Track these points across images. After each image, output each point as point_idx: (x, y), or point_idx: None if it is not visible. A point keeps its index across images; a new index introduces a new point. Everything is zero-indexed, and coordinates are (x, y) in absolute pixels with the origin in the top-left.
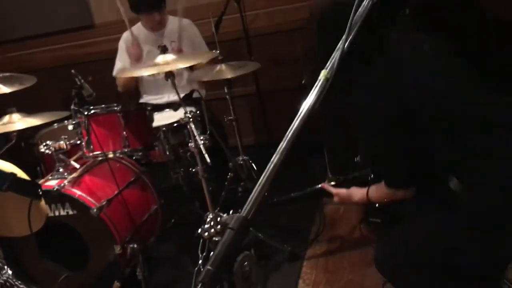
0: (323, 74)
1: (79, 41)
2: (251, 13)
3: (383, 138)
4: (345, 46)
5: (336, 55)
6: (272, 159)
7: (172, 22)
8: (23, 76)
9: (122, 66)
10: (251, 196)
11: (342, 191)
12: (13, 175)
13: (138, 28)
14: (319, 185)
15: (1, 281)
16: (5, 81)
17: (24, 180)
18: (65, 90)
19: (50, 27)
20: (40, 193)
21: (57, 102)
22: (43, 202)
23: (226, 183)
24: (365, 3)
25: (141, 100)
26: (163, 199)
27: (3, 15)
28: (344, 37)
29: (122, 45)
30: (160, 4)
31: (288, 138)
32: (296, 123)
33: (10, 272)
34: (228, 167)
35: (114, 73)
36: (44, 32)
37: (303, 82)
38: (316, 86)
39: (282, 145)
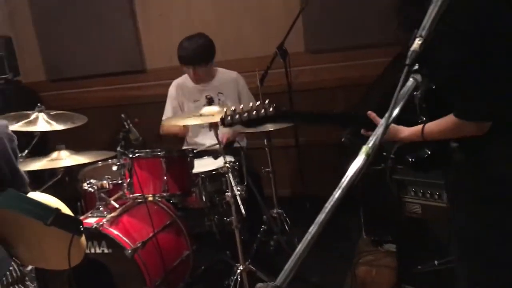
0: (364, 150)
1: (130, 83)
2: (296, 68)
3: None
4: (388, 122)
5: (379, 131)
6: (310, 230)
7: (221, 75)
8: (75, 115)
9: (171, 113)
10: (287, 265)
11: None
12: (57, 210)
13: (186, 78)
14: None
15: None
16: (57, 119)
17: (67, 216)
18: (112, 129)
19: (104, 68)
20: (81, 229)
21: (103, 140)
22: (83, 239)
23: (258, 235)
24: (408, 83)
25: (185, 144)
26: (195, 245)
27: (59, 55)
28: (387, 114)
29: (172, 92)
30: (203, 60)
31: (327, 209)
32: (336, 195)
33: None
34: (261, 218)
35: (164, 117)
36: (97, 73)
37: (342, 140)
38: (357, 160)
39: (321, 216)
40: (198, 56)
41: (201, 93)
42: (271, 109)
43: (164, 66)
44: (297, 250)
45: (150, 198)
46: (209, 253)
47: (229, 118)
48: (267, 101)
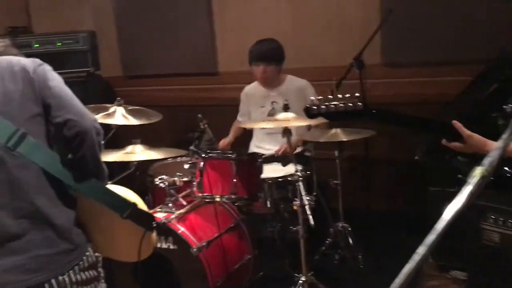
0: (479, 172)
1: (202, 85)
2: (370, 81)
3: None
4: (506, 145)
5: (495, 154)
6: (418, 250)
7: (289, 82)
8: (150, 112)
9: (244, 117)
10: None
11: (476, 135)
12: (134, 204)
13: (255, 86)
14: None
15: None
16: (134, 114)
17: (143, 211)
18: (181, 128)
19: (178, 69)
20: (154, 226)
21: (171, 138)
22: (154, 234)
23: (323, 247)
24: None
25: (251, 149)
26: (257, 250)
27: (137, 52)
28: (505, 135)
29: (243, 97)
30: (273, 59)
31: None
32: (448, 216)
33: None
34: (325, 230)
35: (240, 118)
36: (171, 72)
37: (415, 158)
38: (469, 185)
39: (430, 237)
40: (269, 53)
41: (267, 99)
42: (359, 103)
43: (236, 70)
44: (405, 270)
45: (218, 199)
46: (268, 260)
47: (315, 107)
48: (356, 94)
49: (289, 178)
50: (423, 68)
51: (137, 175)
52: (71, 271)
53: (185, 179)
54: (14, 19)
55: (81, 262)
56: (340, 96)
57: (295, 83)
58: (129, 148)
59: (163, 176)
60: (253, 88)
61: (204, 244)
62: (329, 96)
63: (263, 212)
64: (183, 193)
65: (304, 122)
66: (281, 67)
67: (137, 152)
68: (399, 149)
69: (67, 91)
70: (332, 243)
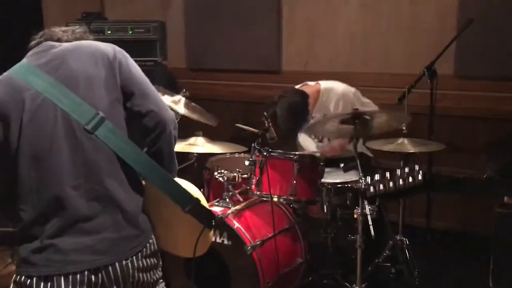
0: None
1: (263, 82)
2: (440, 91)
3: None
4: None
5: None
6: None
7: (324, 95)
8: (208, 115)
9: None
10: None
11: None
12: (197, 200)
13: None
14: None
15: None
16: (194, 110)
17: (204, 208)
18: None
19: (241, 64)
20: (213, 224)
21: (227, 132)
22: (211, 233)
23: (379, 259)
24: None
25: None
26: (309, 255)
27: (202, 46)
28: None
29: None
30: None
31: None
32: None
33: (163, 284)
34: (380, 242)
35: None
36: (234, 68)
37: (485, 176)
38: None
39: None
40: (294, 128)
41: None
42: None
43: (298, 69)
44: None
45: (275, 199)
46: (319, 266)
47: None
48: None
49: (349, 186)
50: (498, 82)
51: (195, 167)
52: (134, 257)
53: (244, 175)
54: (88, 5)
55: (144, 249)
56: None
57: (329, 95)
58: (192, 139)
59: (223, 171)
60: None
61: (258, 242)
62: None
63: (319, 216)
64: (240, 189)
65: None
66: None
67: (199, 144)
68: (465, 166)
69: (147, 80)
70: (389, 256)
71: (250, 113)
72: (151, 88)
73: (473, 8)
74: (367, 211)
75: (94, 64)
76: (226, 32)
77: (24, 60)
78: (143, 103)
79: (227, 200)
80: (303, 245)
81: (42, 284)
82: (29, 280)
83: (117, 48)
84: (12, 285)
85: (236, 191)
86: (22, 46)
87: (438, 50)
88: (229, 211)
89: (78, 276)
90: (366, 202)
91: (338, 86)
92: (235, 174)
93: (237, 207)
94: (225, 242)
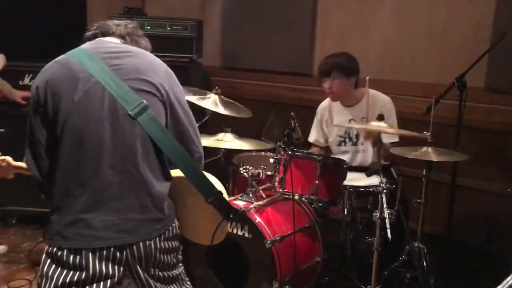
0: None
1: (294, 85)
2: (469, 104)
3: None
4: None
5: None
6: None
7: (370, 97)
8: (242, 108)
9: (316, 136)
10: None
11: None
12: (220, 193)
13: (330, 103)
14: None
15: (177, 273)
16: (227, 105)
17: (225, 201)
18: (264, 123)
19: (273, 66)
20: (231, 216)
21: (254, 131)
22: (229, 224)
23: (396, 264)
24: None
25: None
26: (326, 255)
27: (237, 45)
28: None
29: (317, 113)
30: (331, 72)
31: None
32: None
33: (182, 267)
34: (398, 247)
35: (311, 139)
36: (266, 68)
37: (508, 190)
38: None
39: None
40: (333, 67)
41: (345, 117)
42: None
43: None
44: None
45: (297, 197)
46: (335, 266)
47: None
48: None
49: (371, 189)
50: None
51: (222, 162)
52: (157, 238)
53: (269, 172)
54: (130, 1)
55: (167, 232)
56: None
57: (375, 100)
58: (220, 135)
59: (248, 167)
60: (328, 105)
61: (277, 238)
62: None
63: (338, 218)
64: (264, 186)
65: (394, 138)
66: (353, 82)
67: (227, 140)
68: (490, 178)
69: (191, 119)
70: (405, 261)
71: (279, 114)
72: (194, 129)
73: (508, 21)
74: (386, 215)
75: (152, 70)
76: (261, 33)
77: (81, 46)
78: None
79: (250, 195)
80: (322, 245)
81: (71, 256)
82: (60, 252)
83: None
84: (44, 255)
85: (260, 187)
86: (66, 40)
87: (470, 62)
88: (252, 206)
89: (104, 251)
90: (385, 206)
91: (383, 96)
92: (259, 170)
93: (260, 202)
94: (246, 235)
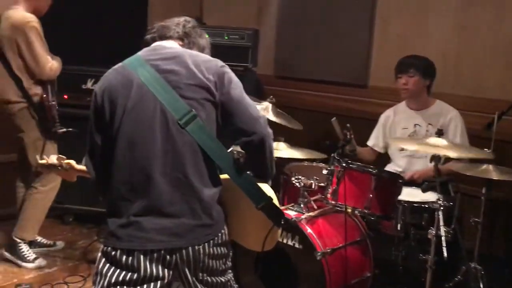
0: None
1: (349, 96)
2: None
3: None
4: None
5: None
6: None
7: (437, 107)
8: (293, 120)
9: (375, 140)
10: None
11: None
12: (270, 199)
13: (401, 106)
14: None
15: (225, 279)
16: (279, 115)
17: (276, 207)
18: (319, 134)
19: (327, 76)
20: (282, 223)
21: (306, 141)
22: (279, 231)
23: (450, 284)
24: None
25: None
26: (378, 270)
27: (291, 55)
28: None
29: (381, 118)
30: (418, 69)
31: None
32: None
33: (231, 274)
34: (453, 267)
35: (369, 143)
36: (320, 78)
37: None
38: None
39: None
40: (414, 64)
41: (411, 121)
42: None
43: (386, 85)
44: None
45: (349, 210)
46: (386, 283)
47: None
48: None
49: (427, 205)
50: None
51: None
52: (206, 244)
53: (321, 184)
54: (189, 10)
55: (216, 238)
56: None
57: (443, 110)
58: (273, 144)
59: (301, 177)
60: (396, 110)
61: (328, 250)
62: None
63: (391, 233)
64: (315, 197)
65: (458, 154)
66: (429, 84)
67: (280, 149)
68: None
69: (249, 102)
70: (460, 283)
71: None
72: (253, 109)
73: None
74: (442, 233)
75: (199, 72)
76: (316, 42)
77: (138, 53)
78: (246, 125)
79: (302, 205)
80: (373, 260)
81: (124, 256)
82: (113, 252)
83: (221, 64)
84: (99, 253)
85: (312, 198)
86: (127, 46)
87: None
88: (303, 216)
89: (155, 254)
90: (442, 223)
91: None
92: (312, 181)
93: (311, 213)
94: (296, 245)
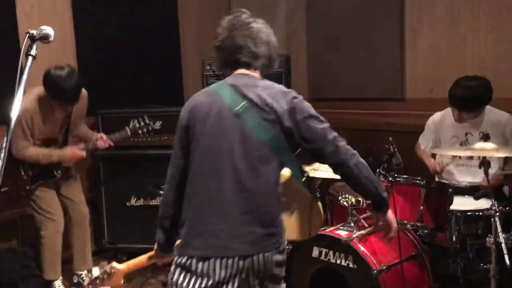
0: None
1: (386, 110)
2: None
3: None
4: None
5: None
6: None
7: (488, 113)
8: None
9: (424, 145)
10: None
11: None
12: (308, 173)
13: (446, 114)
14: None
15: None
16: None
17: (312, 178)
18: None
19: (363, 93)
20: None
21: None
22: (320, 205)
23: None
24: None
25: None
26: (437, 284)
27: (324, 76)
28: None
29: (430, 125)
30: (473, 107)
31: None
32: None
33: (284, 285)
34: None
35: (421, 141)
36: (356, 96)
37: None
38: None
39: None
40: (467, 101)
41: (461, 129)
42: None
43: (424, 97)
44: None
45: (402, 225)
46: None
47: None
48: None
49: (481, 213)
50: None
51: (319, 191)
52: (273, 251)
53: (369, 201)
54: None
55: (280, 246)
56: None
57: (493, 116)
58: (316, 165)
59: (348, 195)
60: (444, 116)
61: (384, 267)
62: None
63: (447, 245)
64: (365, 215)
65: (505, 154)
66: (483, 109)
67: (323, 170)
68: None
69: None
70: None
71: (372, 141)
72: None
73: None
74: (501, 239)
75: (275, 100)
76: (347, 61)
77: (226, 79)
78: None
79: (352, 224)
80: (431, 274)
81: (200, 264)
82: (189, 260)
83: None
84: (173, 266)
85: (361, 216)
86: (163, 88)
87: None
88: (354, 235)
89: (230, 260)
90: (500, 230)
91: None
92: (359, 199)
93: (362, 231)
94: (350, 265)
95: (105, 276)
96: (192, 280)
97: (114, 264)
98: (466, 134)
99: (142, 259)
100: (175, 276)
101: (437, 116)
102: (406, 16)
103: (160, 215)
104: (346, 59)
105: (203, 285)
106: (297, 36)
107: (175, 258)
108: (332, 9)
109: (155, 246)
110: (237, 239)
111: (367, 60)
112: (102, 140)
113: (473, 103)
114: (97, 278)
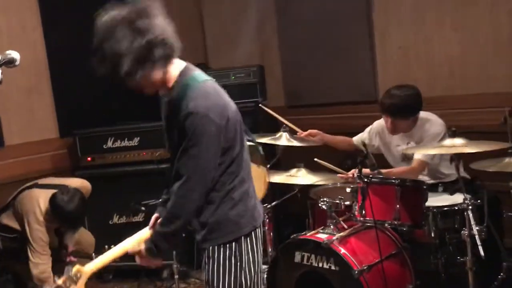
0: None
1: (361, 113)
2: None
3: None
4: None
5: None
6: None
7: (426, 125)
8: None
9: (361, 139)
10: None
11: None
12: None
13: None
14: None
15: None
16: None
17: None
18: (340, 154)
19: (338, 97)
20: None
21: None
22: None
23: (495, 283)
24: None
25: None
26: (419, 281)
27: (299, 82)
28: None
29: (369, 132)
30: (395, 113)
31: None
32: None
33: None
34: (496, 265)
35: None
36: (331, 101)
37: None
38: None
39: None
40: (397, 108)
41: (402, 139)
42: None
43: None
44: None
45: (379, 224)
46: None
47: None
48: None
49: (456, 207)
50: None
51: (299, 198)
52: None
53: (347, 202)
54: (194, 57)
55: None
56: None
57: (430, 130)
58: (293, 171)
59: (326, 199)
60: (383, 126)
61: (365, 267)
62: None
63: (426, 241)
64: (344, 217)
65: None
66: (416, 118)
67: (300, 176)
68: None
69: None
70: (504, 280)
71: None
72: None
73: None
74: (475, 232)
75: None
76: (320, 67)
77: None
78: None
79: (332, 227)
80: (413, 271)
81: (258, 231)
82: (253, 232)
83: None
84: (231, 247)
85: (340, 218)
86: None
87: None
88: (335, 238)
89: (257, 230)
90: (473, 223)
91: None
92: (337, 201)
93: (342, 233)
94: (333, 267)
95: (68, 283)
96: (258, 247)
97: (78, 266)
98: (407, 143)
99: (112, 255)
100: (244, 255)
101: (376, 124)
102: (374, 19)
103: (181, 225)
104: (319, 65)
105: (261, 249)
106: (270, 45)
107: (234, 242)
108: (303, 16)
109: (146, 250)
110: (259, 211)
111: (340, 65)
112: None
113: (402, 107)
114: (59, 287)
